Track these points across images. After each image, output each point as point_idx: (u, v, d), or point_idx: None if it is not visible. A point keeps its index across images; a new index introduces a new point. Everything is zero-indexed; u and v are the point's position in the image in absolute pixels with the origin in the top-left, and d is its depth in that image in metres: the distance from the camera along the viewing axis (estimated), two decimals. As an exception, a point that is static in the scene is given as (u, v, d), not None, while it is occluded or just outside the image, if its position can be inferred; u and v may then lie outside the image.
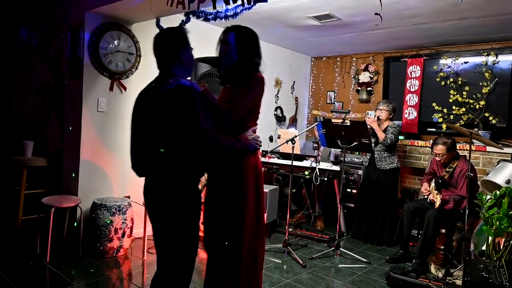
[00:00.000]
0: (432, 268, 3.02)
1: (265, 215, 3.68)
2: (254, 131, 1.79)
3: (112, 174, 3.28)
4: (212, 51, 3.88)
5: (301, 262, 3.03)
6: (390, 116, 3.68)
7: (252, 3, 2.48)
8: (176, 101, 1.49)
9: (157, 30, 2.17)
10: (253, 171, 1.74)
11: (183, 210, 1.53)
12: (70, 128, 3.23)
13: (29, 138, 3.53)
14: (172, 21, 3.17)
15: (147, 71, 3.29)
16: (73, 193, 3.11)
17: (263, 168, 4.37)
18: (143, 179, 1.64)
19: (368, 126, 3.55)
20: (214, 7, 2.47)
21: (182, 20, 3.24)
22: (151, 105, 1.56)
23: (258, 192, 1.76)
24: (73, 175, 3.14)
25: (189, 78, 1.66)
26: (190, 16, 3.19)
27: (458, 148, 3.41)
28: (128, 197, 3.26)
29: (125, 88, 3.30)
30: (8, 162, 3.37)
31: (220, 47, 1.80)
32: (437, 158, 3.17)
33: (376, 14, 2.56)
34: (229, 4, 2.42)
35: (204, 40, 4.15)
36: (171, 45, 1.61)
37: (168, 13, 3.07)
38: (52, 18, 3.61)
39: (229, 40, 1.76)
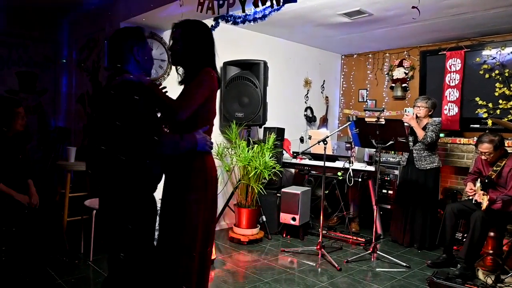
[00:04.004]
0: (480, 274, 2.83)
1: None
2: (206, 132, 1.66)
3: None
4: (240, 54, 3.93)
5: (337, 266, 2.96)
6: (430, 113, 3.48)
7: (281, 4, 2.45)
8: (117, 95, 1.45)
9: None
10: (202, 175, 1.63)
11: (132, 215, 1.48)
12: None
13: (71, 144, 3.75)
14: (201, 26, 3.21)
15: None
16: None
17: (293, 170, 4.42)
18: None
19: (406, 124, 3.39)
20: (243, 10, 2.47)
21: (211, 25, 3.28)
22: (97, 103, 1.55)
23: (207, 197, 1.64)
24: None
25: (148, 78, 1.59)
26: (219, 20, 3.23)
27: (506, 145, 3.16)
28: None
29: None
30: (54, 167, 3.59)
31: (170, 43, 1.72)
32: (483, 157, 2.96)
33: (413, 7, 2.44)
34: (258, 6, 2.42)
35: (233, 43, 4.21)
36: (126, 42, 1.57)
37: (198, 19, 3.13)
38: (90, 30, 3.81)
39: (176, 37, 1.68)
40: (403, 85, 4.64)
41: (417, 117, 3.50)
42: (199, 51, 1.67)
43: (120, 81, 1.49)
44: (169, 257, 1.60)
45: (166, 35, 3.44)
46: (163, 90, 1.75)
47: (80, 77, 4.02)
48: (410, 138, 3.51)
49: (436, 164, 3.46)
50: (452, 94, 4.10)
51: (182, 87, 1.73)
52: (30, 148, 3.86)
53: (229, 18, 3.10)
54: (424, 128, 3.45)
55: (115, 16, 3.27)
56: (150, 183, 1.56)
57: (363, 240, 3.59)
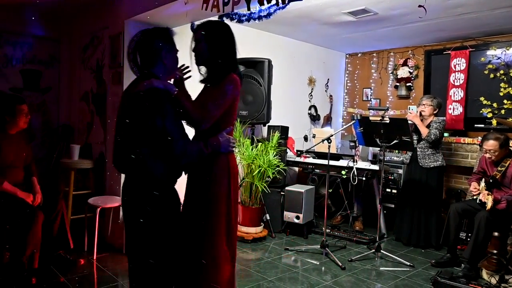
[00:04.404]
0: (484, 274, 2.83)
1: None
2: (229, 133, 1.71)
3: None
4: (245, 52, 3.92)
5: (340, 264, 2.96)
6: (435, 112, 3.48)
7: (286, 2, 2.44)
8: (146, 104, 1.46)
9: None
10: (225, 173, 1.68)
11: (155, 210, 1.51)
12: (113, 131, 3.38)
13: (75, 142, 3.75)
14: (206, 24, 3.21)
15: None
16: (116, 194, 3.25)
17: (297, 168, 4.42)
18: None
19: (410, 122, 3.39)
20: (249, 9, 2.46)
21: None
22: (126, 105, 1.56)
23: (230, 194, 1.69)
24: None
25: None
26: (224, 18, 3.21)
27: (511, 145, 3.15)
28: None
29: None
30: (58, 165, 3.59)
31: (192, 45, 1.71)
32: (488, 155, 2.96)
33: (419, 6, 2.44)
34: (263, 4, 2.41)
35: (237, 41, 4.20)
36: (154, 45, 1.57)
37: (202, 17, 3.10)
38: (94, 27, 3.81)
39: (200, 37, 1.68)
40: (408, 84, 4.63)
41: (421, 115, 3.50)
42: (222, 52, 1.68)
43: (148, 87, 1.48)
44: (192, 253, 1.64)
45: (171, 33, 3.42)
46: (183, 67, 1.78)
47: (84, 75, 4.01)
48: (415, 137, 3.51)
49: (439, 162, 3.46)
50: (456, 94, 4.09)
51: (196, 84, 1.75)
52: (33, 146, 3.87)
53: (234, 16, 3.09)
54: (428, 127, 3.44)
55: (119, 13, 3.26)
56: (171, 178, 1.59)
57: (367, 239, 3.59)
